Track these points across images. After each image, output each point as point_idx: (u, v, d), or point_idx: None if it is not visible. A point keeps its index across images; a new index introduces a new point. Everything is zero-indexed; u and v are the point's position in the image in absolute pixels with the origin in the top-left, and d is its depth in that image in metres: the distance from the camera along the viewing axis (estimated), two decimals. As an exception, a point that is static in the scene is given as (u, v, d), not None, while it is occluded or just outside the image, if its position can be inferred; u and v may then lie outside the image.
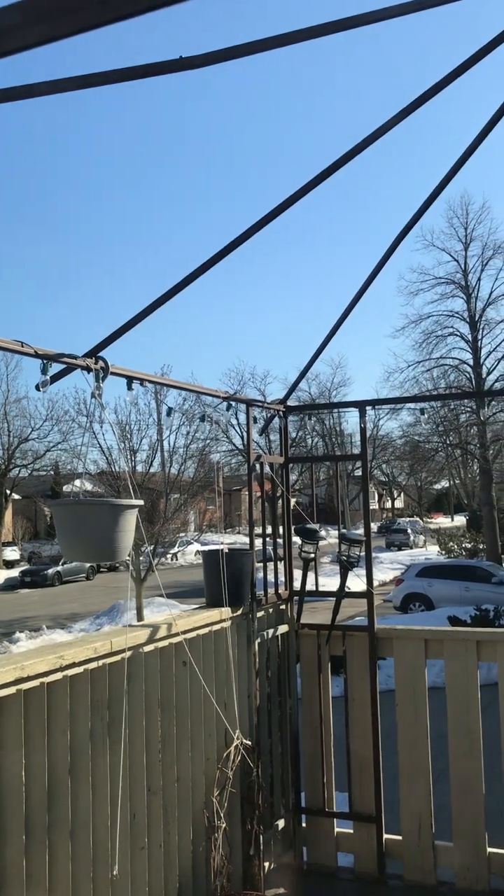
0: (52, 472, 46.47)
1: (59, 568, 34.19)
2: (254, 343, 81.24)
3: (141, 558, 18.57)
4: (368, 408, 4.59)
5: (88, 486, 20.32)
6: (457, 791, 4.19)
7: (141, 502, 2.90)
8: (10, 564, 41.00)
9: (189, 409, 20.92)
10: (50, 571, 33.98)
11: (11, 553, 42.72)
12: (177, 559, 37.66)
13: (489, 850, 4.12)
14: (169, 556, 25.65)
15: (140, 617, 18.63)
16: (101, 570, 37.38)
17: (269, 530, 4.54)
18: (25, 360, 2.81)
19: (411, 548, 48.43)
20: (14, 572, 36.64)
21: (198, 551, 39.07)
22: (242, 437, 38.03)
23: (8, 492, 45.37)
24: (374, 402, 4.88)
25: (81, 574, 35.42)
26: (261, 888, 3.88)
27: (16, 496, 49.65)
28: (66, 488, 46.81)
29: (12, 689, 2.59)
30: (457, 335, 30.18)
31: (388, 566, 34.14)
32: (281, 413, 4.64)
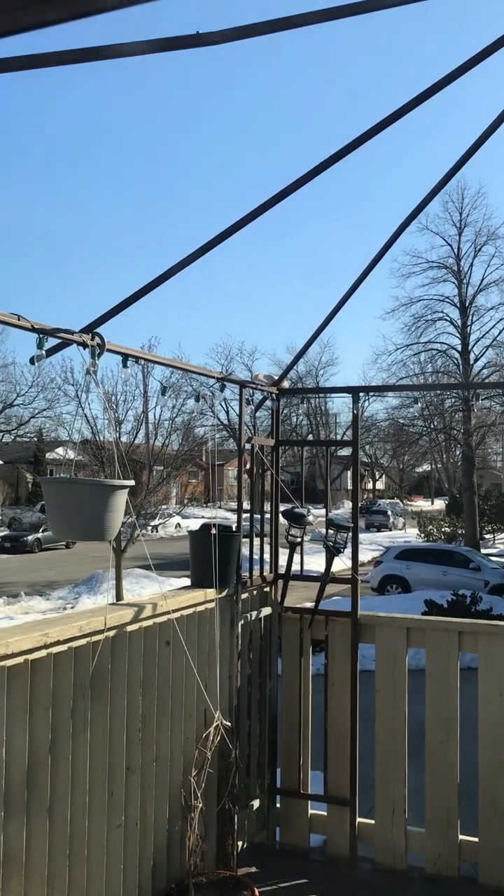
0: (35, 439, 46.19)
1: (40, 535, 34.12)
2: (241, 318, 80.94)
3: (122, 529, 18.55)
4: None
5: (72, 455, 20.23)
6: (432, 778, 4.23)
7: (132, 482, 2.87)
8: (-11, 529, 40.82)
9: (176, 382, 20.79)
10: (30, 538, 33.91)
11: (-9, 518, 42.56)
12: (157, 531, 37.62)
13: (461, 837, 4.18)
14: (150, 528, 25.66)
15: (119, 588, 18.64)
16: (81, 538, 37.22)
17: (256, 511, 4.52)
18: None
19: (391, 529, 48.67)
20: (-7, 537, 36.50)
21: (178, 524, 39.10)
22: (228, 413, 38.00)
23: (-10, 456, 45.14)
24: (368, 389, 4.88)
25: (61, 542, 35.39)
26: (233, 867, 3.90)
27: (-2, 461, 49.39)
28: (49, 455, 46.62)
29: (-4, 667, 2.57)
30: (446, 320, 30.14)
31: (366, 547, 34.27)
32: (274, 395, 4.61)
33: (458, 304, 29.64)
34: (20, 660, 2.67)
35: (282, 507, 4.68)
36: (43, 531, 34.08)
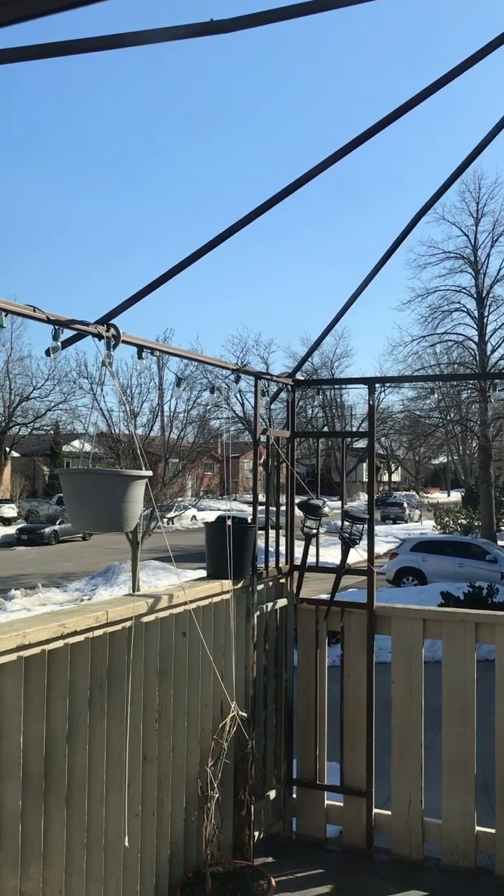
0: (51, 432, 46.45)
1: (56, 527, 34.28)
2: (257, 310, 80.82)
3: (139, 521, 18.58)
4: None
5: (88, 447, 20.31)
6: (448, 770, 4.22)
7: (150, 473, 2.88)
8: (6, 522, 41.02)
9: (191, 374, 20.83)
10: (47, 530, 34.07)
11: (9, 510, 42.73)
12: (173, 523, 37.73)
13: (477, 828, 4.17)
14: (166, 520, 25.76)
15: (135, 580, 18.72)
16: (98, 530, 37.33)
17: (271, 503, 4.52)
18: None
19: (406, 522, 48.54)
20: (11, 530, 36.67)
21: (194, 516, 39.17)
22: (243, 405, 38.01)
23: (7, 449, 45.41)
24: (384, 380, 4.86)
25: (78, 534, 35.55)
26: (250, 857, 3.92)
27: (15, 454, 49.70)
28: (65, 448, 46.79)
29: (13, 656, 2.59)
30: (463, 311, 29.90)
31: (382, 539, 34.15)
32: (289, 387, 4.60)
33: (474, 295, 29.41)
34: (38, 650, 2.69)
35: (297, 499, 4.68)
36: (60, 523, 34.25)
